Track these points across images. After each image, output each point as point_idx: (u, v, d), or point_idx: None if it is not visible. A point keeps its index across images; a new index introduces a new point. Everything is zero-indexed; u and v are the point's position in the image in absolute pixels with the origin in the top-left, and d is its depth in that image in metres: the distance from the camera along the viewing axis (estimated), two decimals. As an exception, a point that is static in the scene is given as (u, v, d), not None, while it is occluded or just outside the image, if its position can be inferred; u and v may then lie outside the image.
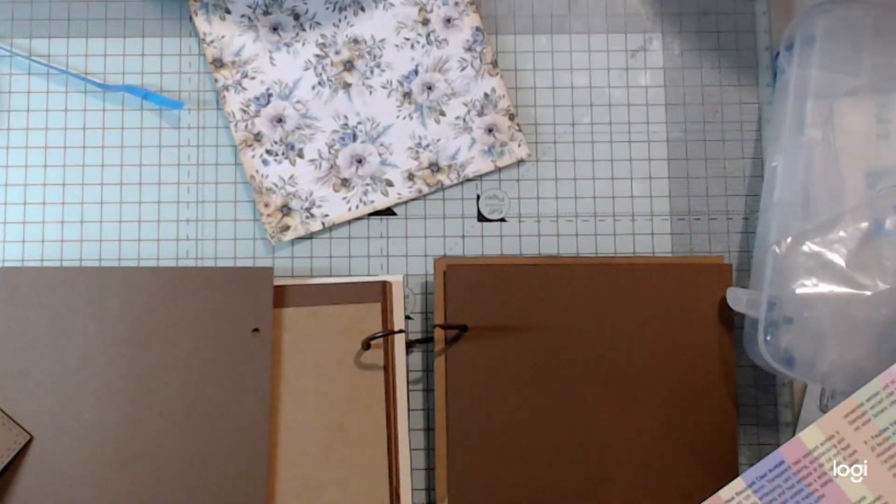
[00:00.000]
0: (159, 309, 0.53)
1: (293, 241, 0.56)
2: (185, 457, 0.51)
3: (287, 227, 0.55)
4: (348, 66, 0.57)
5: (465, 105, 0.57)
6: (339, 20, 0.57)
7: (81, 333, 0.52)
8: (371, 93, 0.56)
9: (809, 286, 0.50)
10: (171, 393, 0.52)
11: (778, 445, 0.47)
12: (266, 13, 0.57)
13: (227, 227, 0.56)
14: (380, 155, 0.56)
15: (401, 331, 0.53)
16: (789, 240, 0.50)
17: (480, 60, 0.57)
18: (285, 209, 0.55)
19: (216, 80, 0.56)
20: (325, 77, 0.56)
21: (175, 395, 0.52)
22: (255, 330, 0.53)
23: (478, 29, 0.57)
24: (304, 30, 0.57)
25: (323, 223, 0.55)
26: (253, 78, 0.56)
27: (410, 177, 0.56)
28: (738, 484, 0.46)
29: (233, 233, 0.56)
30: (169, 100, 0.56)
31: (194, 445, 0.51)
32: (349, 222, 0.56)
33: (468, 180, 0.57)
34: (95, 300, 0.53)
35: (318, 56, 0.56)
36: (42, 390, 0.52)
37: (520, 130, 0.56)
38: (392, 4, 0.57)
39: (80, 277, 0.53)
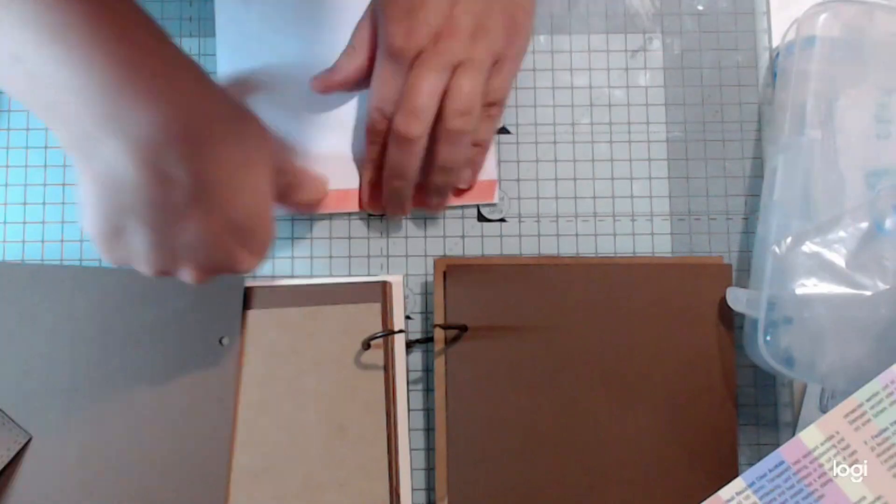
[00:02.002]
0: (129, 312, 0.53)
1: (293, 241, 0.56)
2: (146, 462, 0.51)
3: None
4: None
5: None
6: None
7: (50, 332, 0.52)
8: None
9: (809, 286, 0.50)
10: (135, 397, 0.52)
11: (778, 445, 0.47)
12: None
13: (227, 227, 0.56)
14: None
15: (401, 331, 0.53)
16: (789, 240, 0.50)
17: None
18: None
19: None
20: None
21: (139, 399, 0.52)
22: (222, 338, 0.53)
23: None
24: None
25: None
26: None
27: None
28: (738, 484, 0.46)
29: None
30: None
31: (156, 452, 0.51)
32: (349, 218, 0.56)
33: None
34: (65, 299, 0.53)
35: None
36: (6, 388, 0.52)
37: None
38: None
39: (50, 276, 0.53)
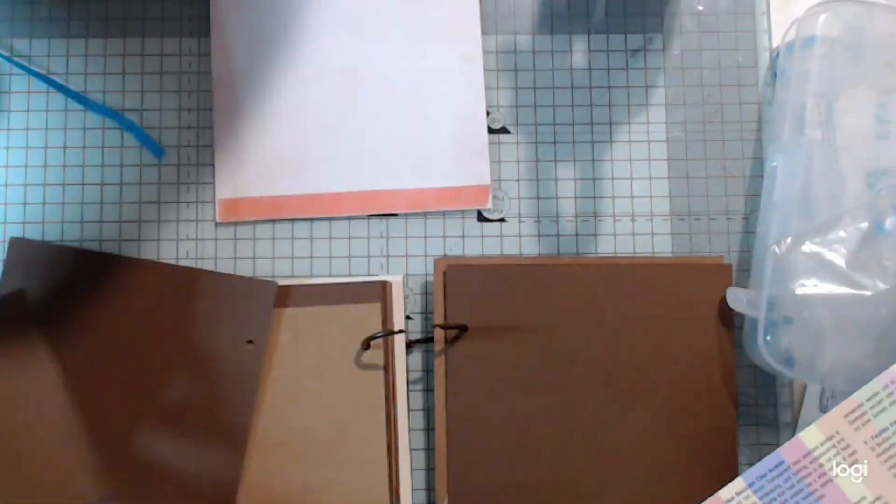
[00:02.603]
0: (159, 306, 0.53)
1: (293, 241, 0.56)
2: (164, 456, 0.51)
3: None
4: None
5: None
6: None
7: (78, 318, 0.52)
8: None
9: (809, 286, 0.50)
10: (159, 390, 0.52)
11: (778, 445, 0.47)
12: None
13: (228, 228, 0.56)
14: None
15: (401, 331, 0.53)
16: (789, 240, 0.50)
17: None
18: None
19: None
20: None
21: (163, 393, 0.52)
22: (250, 342, 0.53)
23: None
24: None
25: None
26: None
27: None
28: (738, 484, 0.46)
29: (233, 233, 0.56)
30: (151, 140, 0.56)
31: (175, 448, 0.52)
32: (349, 218, 0.56)
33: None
34: (99, 287, 0.53)
35: None
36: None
37: None
38: None
39: (87, 261, 0.53)
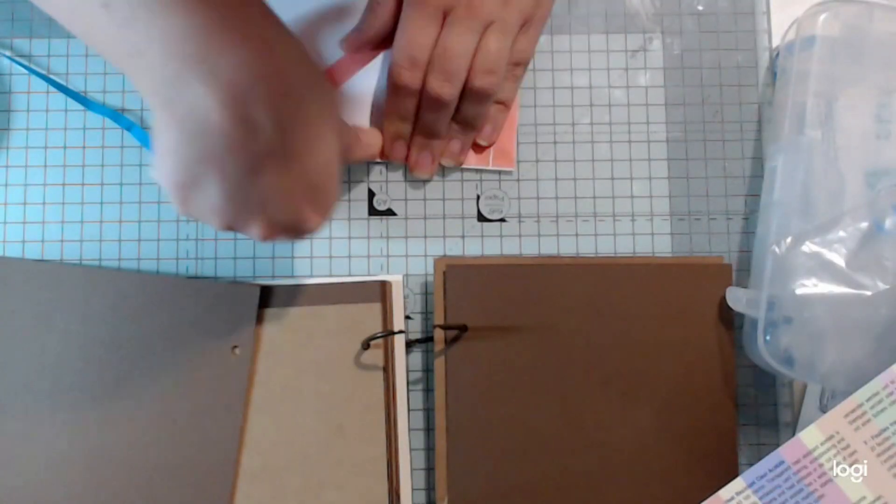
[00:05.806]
0: (143, 316, 0.53)
1: (293, 241, 0.56)
2: (152, 466, 0.51)
3: None
4: None
5: None
6: None
7: (63, 332, 0.52)
8: None
9: (809, 286, 0.50)
10: (145, 401, 0.52)
11: (778, 445, 0.47)
12: None
13: (227, 227, 0.56)
14: None
15: (401, 331, 0.53)
16: (789, 240, 0.50)
17: None
18: None
19: None
20: None
21: (149, 403, 0.52)
22: (235, 347, 0.53)
23: None
24: None
25: None
26: None
27: None
28: (738, 484, 0.46)
29: (233, 233, 0.56)
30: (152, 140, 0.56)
31: (162, 456, 0.51)
32: (349, 218, 0.56)
33: (468, 180, 0.57)
34: (81, 300, 0.53)
35: None
36: (18, 383, 0.52)
37: None
38: None
39: (68, 276, 0.53)
